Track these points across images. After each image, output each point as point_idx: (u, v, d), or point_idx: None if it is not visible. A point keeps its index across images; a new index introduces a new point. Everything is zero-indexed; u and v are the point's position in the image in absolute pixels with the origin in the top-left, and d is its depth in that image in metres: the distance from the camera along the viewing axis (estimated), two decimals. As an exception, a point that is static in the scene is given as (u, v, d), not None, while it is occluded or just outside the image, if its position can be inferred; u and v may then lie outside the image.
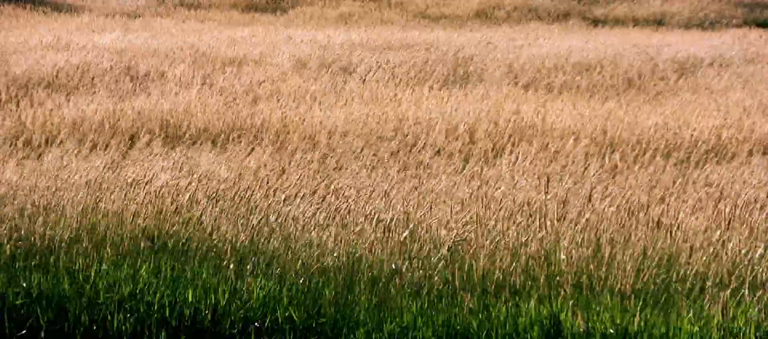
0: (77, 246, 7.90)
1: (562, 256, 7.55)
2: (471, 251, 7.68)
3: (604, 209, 8.61)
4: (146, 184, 9.30)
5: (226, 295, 7.18)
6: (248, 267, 7.58)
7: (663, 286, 7.27)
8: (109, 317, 7.05)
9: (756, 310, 6.85)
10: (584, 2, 37.30)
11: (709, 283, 7.26)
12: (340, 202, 8.89)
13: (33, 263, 7.66)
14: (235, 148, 11.69)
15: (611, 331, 6.71)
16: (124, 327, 7.00)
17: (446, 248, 7.70)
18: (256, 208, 8.67)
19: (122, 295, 7.20)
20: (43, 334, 6.99)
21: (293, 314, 7.02)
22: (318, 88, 16.51)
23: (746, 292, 7.04)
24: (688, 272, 7.38)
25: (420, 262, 7.59)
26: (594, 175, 10.31)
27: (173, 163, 10.51)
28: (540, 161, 10.96)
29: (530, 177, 9.96)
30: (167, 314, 7.07)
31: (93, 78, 17.08)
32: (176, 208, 8.59)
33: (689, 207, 8.74)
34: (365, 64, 19.60)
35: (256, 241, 7.96)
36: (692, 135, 12.49)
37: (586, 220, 8.29)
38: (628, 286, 7.22)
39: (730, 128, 12.94)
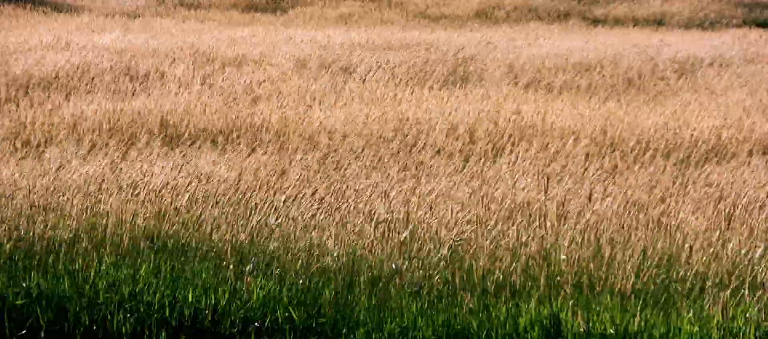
0: (77, 246, 7.90)
1: (562, 256, 7.55)
2: (471, 251, 7.68)
3: (604, 209, 8.61)
4: (146, 184, 9.30)
5: (226, 295, 7.18)
6: (248, 267, 7.58)
7: (663, 286, 7.27)
8: (109, 317, 7.05)
9: (756, 310, 6.85)
10: (584, 2, 37.30)
11: (709, 283, 7.26)
12: (340, 202, 8.89)
13: (33, 263, 7.66)
14: (235, 149, 11.69)
15: (611, 331, 6.71)
16: (124, 327, 7.00)
17: (446, 248, 7.70)
18: (256, 208, 8.67)
19: (122, 295, 7.20)
20: (43, 334, 6.98)
21: (293, 314, 7.02)
22: (318, 88, 16.51)
23: (746, 292, 7.04)
24: (688, 272, 7.38)
25: (420, 262, 7.59)
26: (594, 175, 10.31)
27: (173, 164, 10.51)
28: (540, 161, 10.96)
29: (530, 177, 9.96)
30: (167, 314, 7.06)
31: (93, 78, 17.08)
32: (176, 208, 8.59)
33: (689, 207, 8.74)
34: (365, 64, 19.60)
35: (256, 242, 7.96)
36: (692, 135, 12.49)
37: (586, 220, 8.29)
38: (628, 286, 7.22)
39: (730, 128, 12.94)
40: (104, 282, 7.34)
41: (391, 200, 8.94)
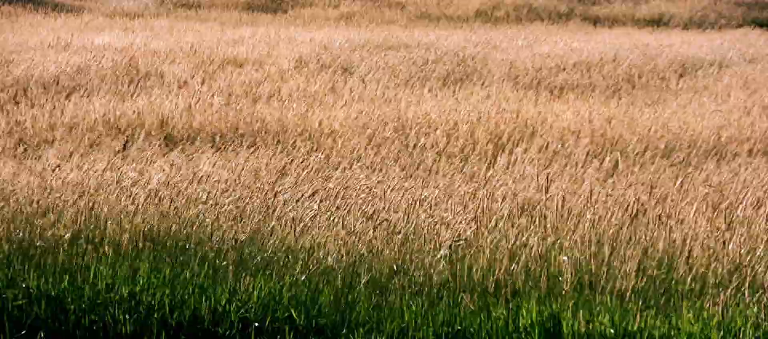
0: (76, 246, 7.90)
1: (563, 257, 7.54)
2: (471, 251, 7.67)
3: (604, 209, 8.60)
4: (145, 184, 9.30)
5: (226, 296, 7.18)
6: (248, 267, 7.57)
7: (663, 286, 7.27)
8: (108, 318, 7.04)
9: (756, 310, 6.85)
10: (584, 2, 37.30)
11: (709, 283, 7.25)
12: (339, 202, 8.88)
13: (32, 263, 7.66)
14: (235, 149, 11.69)
15: (611, 331, 6.71)
16: (123, 328, 7.00)
17: (446, 248, 7.70)
18: (255, 208, 8.66)
19: (121, 295, 7.20)
20: (42, 335, 6.98)
21: (293, 314, 7.02)
22: (318, 88, 16.51)
23: (746, 292, 7.04)
24: (688, 272, 7.38)
25: (420, 262, 7.59)
26: (594, 175, 10.30)
27: (173, 163, 10.50)
28: (540, 161, 10.96)
29: (530, 177, 9.95)
30: (167, 314, 7.06)
31: (93, 78, 17.08)
32: (176, 208, 8.59)
33: (689, 207, 8.73)
34: (366, 64, 19.60)
35: (256, 242, 7.95)
36: (692, 135, 12.49)
37: (587, 220, 8.28)
38: (628, 286, 7.22)
39: (730, 128, 12.94)
40: (103, 282, 7.34)
41: (391, 200, 8.94)
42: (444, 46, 23.13)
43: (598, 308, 6.92)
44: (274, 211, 8.56)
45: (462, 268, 7.46)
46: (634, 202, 8.73)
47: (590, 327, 6.73)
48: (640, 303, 6.98)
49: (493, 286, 7.28)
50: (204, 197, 8.92)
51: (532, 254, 7.62)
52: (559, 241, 7.81)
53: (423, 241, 7.89)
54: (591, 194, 9.01)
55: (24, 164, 10.63)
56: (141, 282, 7.34)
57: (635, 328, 6.70)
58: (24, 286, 7.32)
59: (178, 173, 9.86)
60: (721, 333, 6.63)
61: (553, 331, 6.76)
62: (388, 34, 26.43)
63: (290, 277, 7.41)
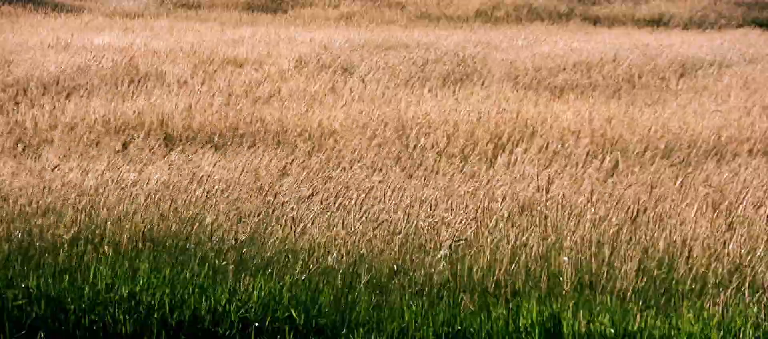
0: (76, 246, 7.89)
1: (563, 257, 7.54)
2: (471, 251, 7.67)
3: (604, 209, 8.60)
4: (145, 184, 9.30)
5: (226, 296, 7.17)
6: (248, 267, 7.57)
7: (663, 286, 7.27)
8: (108, 318, 7.04)
9: (756, 310, 6.85)
10: (584, 2, 37.29)
11: (709, 283, 7.25)
12: (340, 202, 8.88)
13: (32, 263, 7.65)
14: (235, 149, 11.69)
15: (611, 331, 6.70)
16: (123, 328, 6.99)
17: (446, 248, 7.69)
18: (255, 208, 8.66)
19: (121, 295, 7.19)
20: (42, 335, 6.97)
21: (293, 314, 7.01)
22: (318, 88, 16.51)
23: (746, 292, 7.04)
24: (689, 272, 7.38)
25: (420, 262, 7.58)
26: (594, 175, 10.30)
27: (172, 163, 10.50)
28: (540, 161, 10.95)
29: (530, 177, 9.94)
30: (167, 314, 7.06)
31: (93, 78, 17.07)
32: (175, 208, 8.58)
33: (689, 207, 8.73)
34: (366, 64, 19.60)
35: (256, 242, 7.95)
36: (692, 135, 12.49)
37: (587, 220, 8.28)
38: (628, 286, 7.21)
39: (730, 128, 12.94)
40: (103, 282, 7.33)
41: (391, 200, 8.93)
42: (444, 46, 23.13)
43: (598, 308, 6.91)
44: (273, 212, 8.56)
45: (462, 268, 7.46)
46: (634, 202, 8.73)
47: (590, 327, 6.72)
48: (640, 303, 6.97)
49: (493, 286, 7.28)
50: (204, 197, 8.92)
51: (533, 254, 7.62)
52: (559, 241, 7.80)
53: (423, 241, 7.89)
54: (591, 194, 9.01)
55: (24, 164, 10.62)
56: (141, 282, 7.34)
57: (635, 328, 6.70)
58: (24, 286, 7.32)
59: (178, 173, 9.86)
60: (721, 333, 6.63)
61: (553, 331, 6.76)
62: (388, 34, 26.43)
63: (290, 277, 7.41)
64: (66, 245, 7.88)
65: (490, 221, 8.27)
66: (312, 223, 8.30)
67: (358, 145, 11.72)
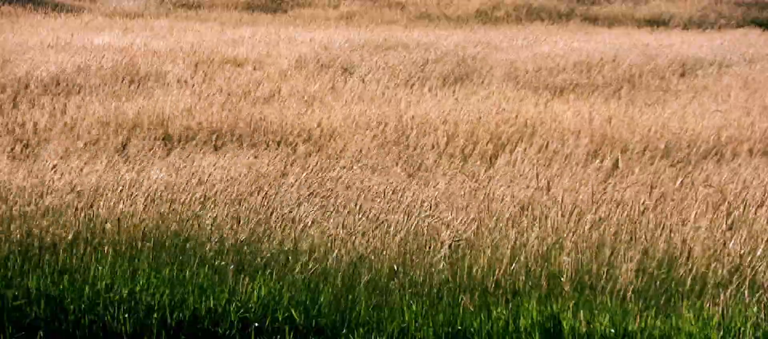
0: (76, 246, 7.89)
1: (563, 257, 7.54)
2: (471, 251, 7.67)
3: (604, 209, 8.60)
4: (145, 183, 9.29)
5: (226, 296, 7.17)
6: (248, 268, 7.57)
7: (663, 286, 7.26)
8: (108, 318, 7.04)
9: (756, 310, 6.84)
10: (584, 2, 37.30)
11: (709, 283, 7.25)
12: (340, 202, 8.88)
13: (31, 263, 7.65)
14: (235, 149, 11.68)
15: (611, 331, 6.70)
16: (123, 328, 6.99)
17: (446, 248, 7.69)
18: (255, 208, 8.66)
19: (121, 295, 7.19)
20: (41, 335, 6.97)
21: (293, 314, 7.01)
22: (318, 88, 16.50)
23: (746, 292, 7.04)
24: (689, 272, 7.37)
25: (420, 262, 7.58)
26: (594, 175, 10.30)
27: (172, 164, 10.50)
28: (540, 161, 10.95)
29: (530, 177, 9.94)
30: (166, 315, 7.05)
31: (93, 78, 17.07)
32: (175, 208, 8.58)
33: (689, 207, 8.73)
34: (366, 64, 19.60)
35: (256, 242, 7.95)
36: (692, 135, 12.49)
37: (587, 220, 8.28)
38: (628, 286, 7.21)
39: (730, 128, 12.93)
40: (103, 282, 7.33)
41: (392, 200, 8.93)
42: (444, 46, 23.13)
43: (598, 308, 6.91)
44: (273, 212, 8.55)
45: (462, 268, 7.46)
46: (634, 202, 8.72)
47: (590, 327, 6.72)
48: (640, 303, 6.97)
49: (493, 286, 7.27)
50: (203, 197, 8.91)
51: (533, 254, 7.62)
52: (559, 241, 7.80)
53: (423, 241, 7.89)
54: (591, 194, 9.01)
55: (23, 164, 10.62)
56: (140, 282, 7.34)
57: (635, 328, 6.70)
58: (23, 286, 7.31)
59: (178, 173, 9.85)
60: (721, 333, 6.63)
61: (553, 331, 6.75)
62: (388, 34, 26.44)
63: (290, 277, 7.40)
64: (65, 245, 7.88)
65: (490, 221, 8.26)
66: (312, 223, 8.29)
67: (358, 145, 11.72)
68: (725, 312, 6.76)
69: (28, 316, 7.09)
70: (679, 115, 13.97)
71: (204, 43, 22.94)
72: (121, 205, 8.60)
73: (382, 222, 8.22)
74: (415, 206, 8.72)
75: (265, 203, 8.80)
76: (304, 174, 10.07)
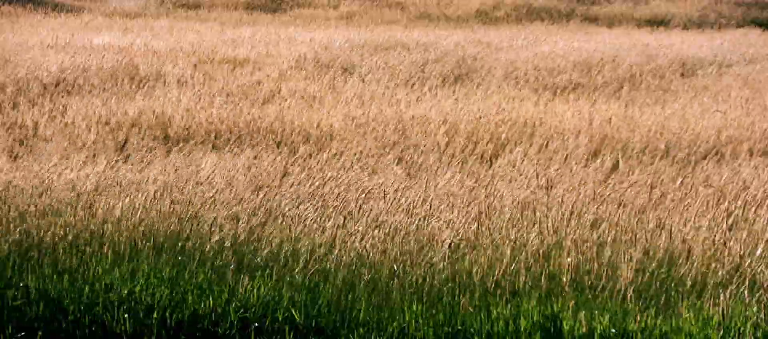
0: (75, 246, 7.89)
1: (563, 257, 7.53)
2: (471, 251, 7.66)
3: (604, 209, 8.59)
4: (145, 184, 9.29)
5: (226, 296, 7.17)
6: (248, 268, 7.56)
7: (663, 286, 7.26)
8: (107, 318, 7.03)
9: (756, 310, 6.84)
10: (584, 2, 37.30)
11: (709, 283, 7.24)
12: (340, 202, 8.87)
13: (31, 263, 7.65)
14: (235, 149, 11.68)
15: (612, 331, 6.70)
16: (122, 328, 6.99)
17: (446, 248, 7.69)
18: (255, 208, 8.65)
19: (121, 295, 7.19)
20: (41, 335, 6.97)
21: (293, 314, 7.01)
22: (318, 88, 16.50)
23: (746, 292, 7.03)
24: (689, 272, 7.37)
25: (420, 262, 7.58)
26: (594, 175, 10.29)
27: (172, 164, 10.49)
28: (540, 161, 10.95)
29: (531, 176, 9.94)
30: (166, 315, 7.05)
31: (93, 78, 17.07)
32: (175, 208, 8.57)
33: (689, 207, 8.73)
34: (366, 64, 19.60)
35: (256, 242, 7.94)
36: (692, 135, 12.48)
37: (587, 220, 8.27)
38: (628, 286, 7.21)
39: (730, 128, 12.93)
40: (103, 282, 7.33)
41: (392, 200, 8.93)
42: (444, 46, 23.13)
43: (598, 308, 6.91)
44: (273, 212, 8.55)
45: (462, 268, 7.45)
46: (634, 202, 8.72)
47: (590, 327, 6.72)
48: (640, 303, 6.97)
49: (493, 286, 7.27)
50: (203, 197, 8.91)
51: (533, 254, 7.61)
52: (559, 241, 7.80)
53: (423, 241, 7.88)
54: (591, 194, 9.01)
55: (23, 164, 10.62)
56: (140, 282, 7.33)
57: (635, 328, 6.70)
58: (23, 286, 7.31)
59: (178, 173, 9.85)
60: (721, 333, 6.62)
61: (553, 331, 6.75)
62: (388, 34, 26.43)
63: (290, 277, 7.40)
64: (65, 245, 7.87)
65: (490, 221, 8.26)
66: (312, 224, 8.29)
67: (358, 145, 11.72)
68: (725, 312, 6.76)
69: (28, 315, 7.09)
70: (679, 115, 13.97)
71: (204, 43, 22.94)
72: (121, 205, 8.60)
73: (382, 222, 8.21)
74: (415, 206, 8.71)
75: (265, 203, 8.80)
76: (304, 174, 10.06)
